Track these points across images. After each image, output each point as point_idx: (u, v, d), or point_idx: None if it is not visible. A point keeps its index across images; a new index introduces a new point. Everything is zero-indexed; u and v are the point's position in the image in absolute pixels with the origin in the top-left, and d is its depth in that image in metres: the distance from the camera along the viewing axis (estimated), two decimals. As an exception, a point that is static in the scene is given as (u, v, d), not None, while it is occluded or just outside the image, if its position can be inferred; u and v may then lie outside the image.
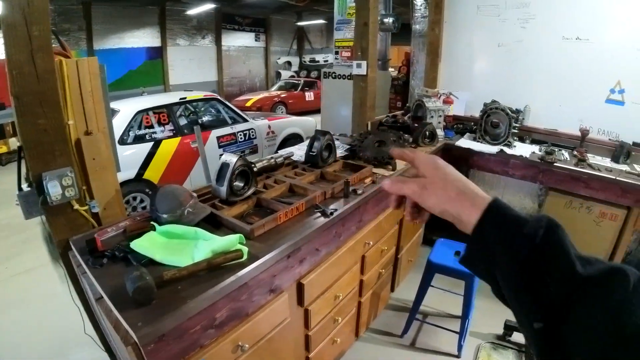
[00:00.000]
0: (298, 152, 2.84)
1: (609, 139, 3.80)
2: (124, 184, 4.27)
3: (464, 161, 3.51)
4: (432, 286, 3.06)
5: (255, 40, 16.34)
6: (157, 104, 5.03)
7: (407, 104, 4.30)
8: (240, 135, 5.39)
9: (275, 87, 13.84)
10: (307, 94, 13.18)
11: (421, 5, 4.25)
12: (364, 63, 3.60)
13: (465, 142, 3.56)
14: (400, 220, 2.89)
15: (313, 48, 19.10)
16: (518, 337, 2.92)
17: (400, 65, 4.79)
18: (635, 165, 3.56)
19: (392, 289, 3.27)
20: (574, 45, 3.77)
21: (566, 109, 3.88)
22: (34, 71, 1.55)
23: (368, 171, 2.51)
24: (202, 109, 5.58)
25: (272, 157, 2.46)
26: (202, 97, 5.49)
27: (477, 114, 3.72)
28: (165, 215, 1.77)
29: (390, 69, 4.79)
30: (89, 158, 1.84)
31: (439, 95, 3.90)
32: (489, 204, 0.58)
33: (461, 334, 2.75)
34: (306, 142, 2.79)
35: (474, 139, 3.61)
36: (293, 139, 6.09)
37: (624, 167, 3.49)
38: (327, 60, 16.75)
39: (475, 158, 3.47)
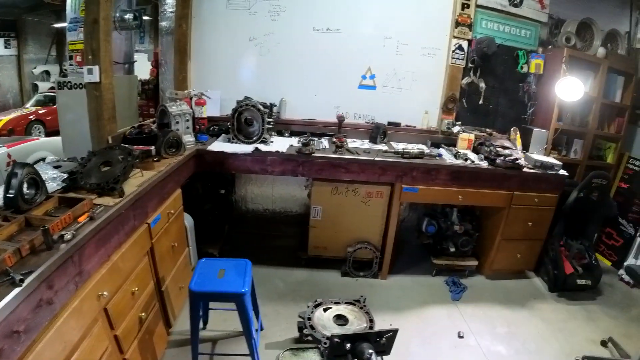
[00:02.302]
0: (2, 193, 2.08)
1: (366, 122, 3.96)
2: None
3: (219, 165, 3.21)
4: (212, 308, 2.78)
5: (5, 47, 13.32)
6: None
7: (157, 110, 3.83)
8: (-31, 172, 4.15)
9: (31, 102, 11.49)
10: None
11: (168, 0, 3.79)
12: (95, 68, 3.00)
13: (218, 145, 3.25)
14: (151, 250, 2.43)
15: None
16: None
17: (151, 67, 4.24)
18: (391, 143, 3.76)
19: (169, 325, 2.79)
20: (325, 36, 3.84)
21: (322, 98, 3.93)
22: None
23: (87, 204, 1.93)
24: None
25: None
26: None
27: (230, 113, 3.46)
28: None
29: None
30: None
31: (190, 96, 3.51)
32: None
33: (252, 354, 2.43)
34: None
35: (229, 140, 3.34)
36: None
37: (382, 147, 3.63)
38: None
39: (230, 160, 3.20)
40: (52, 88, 13.42)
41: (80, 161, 2.43)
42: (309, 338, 2.41)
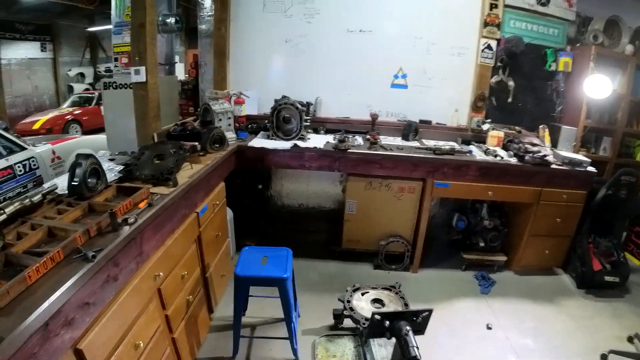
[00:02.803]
0: (65, 183, 2.29)
1: (398, 120, 4.09)
2: None
3: (259, 161, 3.37)
4: (252, 295, 2.90)
5: (41, 50, 13.77)
6: None
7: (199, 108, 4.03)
8: (19, 167, 4.43)
9: (67, 103, 11.84)
10: (102, 107, 11.42)
11: (208, 4, 3.99)
12: (142, 69, 3.20)
13: (258, 142, 3.42)
14: (198, 238, 2.61)
15: (108, 56, 16.06)
16: (348, 322, 2.83)
17: (189, 68, 4.45)
18: (423, 140, 3.89)
19: (211, 310, 2.97)
20: (358, 37, 3.98)
21: (355, 97, 4.07)
22: None
23: (144, 192, 2.12)
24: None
25: (26, 197, 1.89)
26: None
27: (270, 111, 3.63)
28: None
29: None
30: None
31: (229, 96, 3.69)
32: None
33: (291, 338, 2.60)
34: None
35: (268, 137, 3.51)
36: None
37: (414, 144, 3.76)
38: (124, 69, 14.94)
39: (270, 156, 3.36)
40: (87, 89, 13.92)
41: (133, 155, 2.62)
42: (348, 319, 2.58)
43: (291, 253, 2.65)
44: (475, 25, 4.01)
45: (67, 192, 2.06)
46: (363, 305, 2.58)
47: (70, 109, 11.23)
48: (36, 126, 9.68)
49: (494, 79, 4.08)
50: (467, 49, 4.05)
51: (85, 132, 8.46)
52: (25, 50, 13.10)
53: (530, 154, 3.48)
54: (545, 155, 3.48)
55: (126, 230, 1.76)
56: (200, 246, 2.66)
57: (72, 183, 2.01)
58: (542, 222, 3.65)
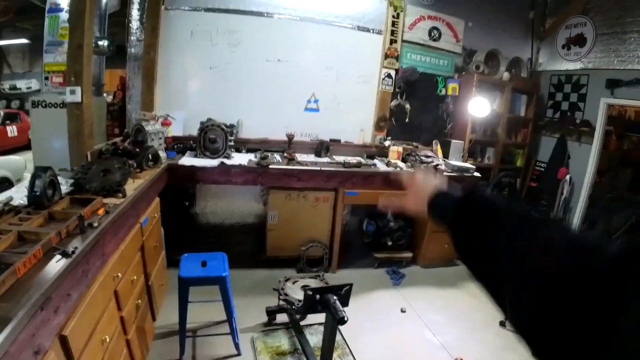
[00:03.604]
0: (17, 195, 2.48)
1: (311, 139, 4.59)
2: None
3: (189, 177, 3.67)
4: (191, 301, 3.06)
5: None
6: None
7: (126, 130, 4.22)
8: None
9: None
10: (8, 128, 10.91)
11: (137, 29, 4.23)
12: (78, 89, 3.37)
13: (187, 160, 3.72)
14: (142, 247, 2.85)
15: (13, 73, 15.12)
16: (282, 317, 3.33)
17: (115, 90, 4.64)
18: (334, 156, 4.41)
19: (154, 318, 3.18)
20: (276, 66, 4.45)
21: (274, 119, 4.52)
22: None
23: (99, 202, 2.36)
24: None
25: (-13, 207, 2.09)
26: None
27: (195, 132, 3.93)
28: None
29: (105, 95, 4.59)
30: None
31: (156, 117, 3.95)
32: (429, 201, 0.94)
33: (232, 333, 2.91)
34: (24, 184, 2.47)
35: (195, 156, 3.82)
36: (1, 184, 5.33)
37: (326, 159, 4.27)
38: (30, 87, 14.02)
39: (199, 173, 3.67)
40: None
41: (79, 170, 2.83)
42: (280, 315, 3.10)
43: (226, 256, 3.01)
44: (377, 57, 4.66)
45: (25, 202, 2.27)
46: (295, 290, 3.00)
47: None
48: None
49: (393, 103, 4.75)
50: (371, 78, 4.69)
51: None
52: None
53: (425, 164, 4.12)
54: (437, 165, 4.14)
55: (92, 232, 2.01)
56: (144, 255, 2.89)
57: (33, 193, 2.21)
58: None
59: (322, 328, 2.50)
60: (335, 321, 2.34)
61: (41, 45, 4.32)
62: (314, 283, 3.11)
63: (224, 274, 2.78)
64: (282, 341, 3.14)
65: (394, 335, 3.39)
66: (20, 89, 14.16)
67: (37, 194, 2.22)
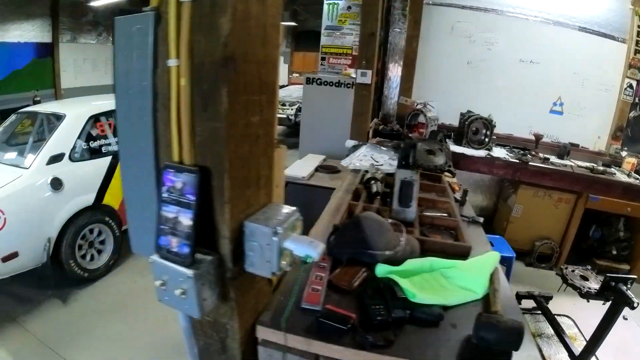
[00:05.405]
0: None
1: (551, 141, 4.77)
2: (80, 213, 3.52)
3: (453, 163, 3.95)
4: None
5: None
6: (111, 107, 3.80)
7: (381, 112, 4.63)
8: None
9: None
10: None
11: (399, 21, 4.59)
12: (369, 72, 3.78)
13: (456, 148, 4.04)
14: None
15: None
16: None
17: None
18: (574, 160, 4.56)
19: None
20: (528, 67, 4.67)
21: (519, 117, 4.74)
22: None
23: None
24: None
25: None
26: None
27: (448, 121, 4.26)
28: (387, 253, 1.51)
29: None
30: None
31: (415, 104, 4.29)
32: None
33: None
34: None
35: (460, 145, 4.14)
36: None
37: (568, 162, 4.42)
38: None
39: (465, 161, 3.98)
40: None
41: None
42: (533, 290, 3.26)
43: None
44: (620, 66, 4.67)
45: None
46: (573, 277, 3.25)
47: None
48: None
49: (632, 114, 4.76)
50: (612, 86, 4.72)
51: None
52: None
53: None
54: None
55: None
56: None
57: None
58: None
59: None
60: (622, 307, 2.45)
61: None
62: (589, 274, 3.31)
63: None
64: (530, 325, 3.40)
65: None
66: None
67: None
